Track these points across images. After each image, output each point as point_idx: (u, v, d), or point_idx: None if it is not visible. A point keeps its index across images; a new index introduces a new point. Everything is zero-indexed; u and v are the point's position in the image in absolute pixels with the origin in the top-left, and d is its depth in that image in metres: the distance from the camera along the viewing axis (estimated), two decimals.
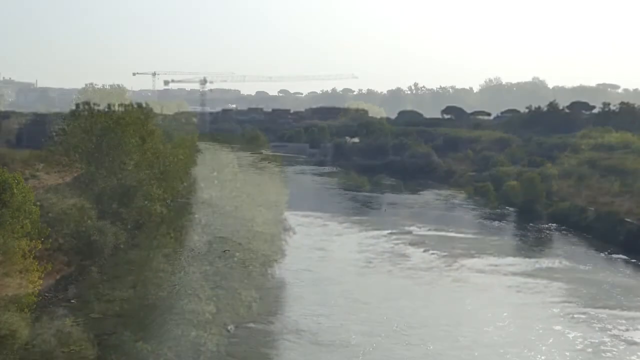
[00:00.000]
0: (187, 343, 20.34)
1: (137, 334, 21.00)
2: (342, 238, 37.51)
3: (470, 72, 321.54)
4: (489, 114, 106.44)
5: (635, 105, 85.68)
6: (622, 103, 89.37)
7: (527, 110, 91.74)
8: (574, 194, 46.73)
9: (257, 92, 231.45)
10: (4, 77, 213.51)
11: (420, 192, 58.38)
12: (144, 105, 48.86)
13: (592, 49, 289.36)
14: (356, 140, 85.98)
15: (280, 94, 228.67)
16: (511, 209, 48.37)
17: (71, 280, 25.60)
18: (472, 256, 33.19)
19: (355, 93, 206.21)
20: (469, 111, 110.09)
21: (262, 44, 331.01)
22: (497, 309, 24.49)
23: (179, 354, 19.55)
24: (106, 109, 38.95)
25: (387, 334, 21.66)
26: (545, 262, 32.80)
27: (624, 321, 23.57)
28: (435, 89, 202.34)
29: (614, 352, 20.86)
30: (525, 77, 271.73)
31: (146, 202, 35.11)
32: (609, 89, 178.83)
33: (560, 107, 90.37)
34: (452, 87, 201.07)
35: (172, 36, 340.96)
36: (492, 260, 32.76)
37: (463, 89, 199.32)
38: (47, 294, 23.05)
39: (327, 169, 77.40)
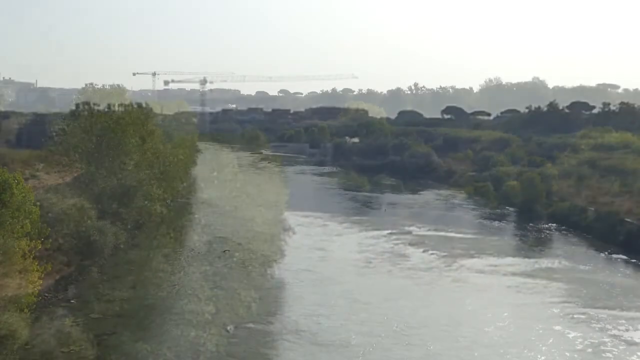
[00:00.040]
0: (186, 343, 20.35)
1: (136, 334, 21.02)
2: (342, 238, 37.50)
3: (470, 72, 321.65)
4: (489, 114, 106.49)
5: (635, 105, 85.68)
6: (622, 103, 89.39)
7: (527, 111, 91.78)
8: (574, 194, 46.71)
9: (257, 92, 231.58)
10: (4, 77, 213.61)
11: (420, 192, 58.37)
12: (144, 105, 48.95)
13: (592, 49, 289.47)
14: (356, 140, 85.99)
15: (280, 94, 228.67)
16: (511, 209, 48.37)
17: (71, 280, 25.61)
18: (472, 256, 33.18)
19: (355, 93, 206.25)
20: (469, 111, 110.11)
21: (262, 44, 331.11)
22: (497, 309, 24.48)
23: (179, 354, 19.55)
24: (106, 109, 38.98)
25: (387, 334, 21.66)
26: (545, 262, 32.79)
27: (624, 321, 23.56)
28: (435, 89, 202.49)
29: (614, 352, 20.86)
30: (525, 77, 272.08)
31: (146, 202, 35.15)
32: (609, 89, 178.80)
33: (560, 107, 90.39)
34: (452, 87, 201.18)
35: (172, 36, 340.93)
36: (492, 260, 32.75)
37: (463, 89, 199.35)
38: (47, 294, 23.06)
39: (327, 169, 77.40)
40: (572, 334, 22.18)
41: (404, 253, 33.51)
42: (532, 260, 33.31)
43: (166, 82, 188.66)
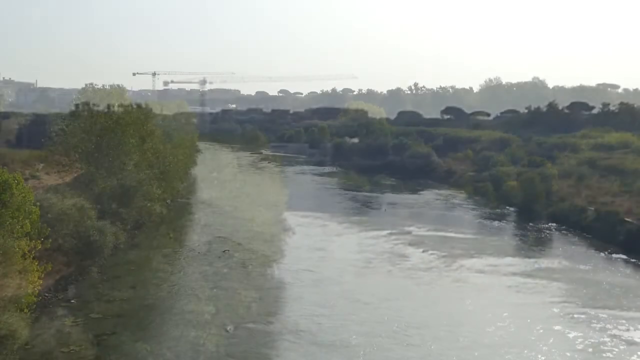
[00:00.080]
0: (186, 343, 20.36)
1: (136, 334, 21.03)
2: (341, 238, 37.50)
3: (470, 72, 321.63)
4: (488, 114, 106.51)
5: (635, 106, 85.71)
6: (621, 103, 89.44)
7: (526, 111, 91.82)
8: (574, 193, 46.69)
9: (257, 92, 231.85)
10: (4, 77, 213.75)
11: (420, 192, 58.36)
12: (143, 105, 48.95)
13: (592, 49, 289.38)
14: (356, 140, 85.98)
15: (280, 94, 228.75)
16: (511, 208, 48.39)
17: (71, 280, 25.64)
18: (472, 256, 33.17)
19: (355, 93, 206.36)
20: (468, 111, 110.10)
21: (262, 44, 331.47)
22: (497, 309, 24.48)
23: (179, 354, 19.56)
24: (106, 109, 38.99)
25: (387, 334, 21.66)
26: (545, 262, 32.78)
27: (624, 321, 23.56)
28: (435, 89, 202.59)
29: (614, 352, 20.85)
30: (525, 77, 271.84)
31: (146, 202, 35.18)
32: (609, 89, 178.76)
33: (560, 107, 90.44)
34: (452, 87, 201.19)
35: (172, 36, 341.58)
36: (492, 260, 32.75)
37: (463, 89, 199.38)
38: (47, 294, 23.09)
39: (327, 169, 77.39)
40: (572, 334, 22.18)
41: (404, 253, 33.51)
42: (532, 260, 33.31)
43: (166, 83, 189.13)
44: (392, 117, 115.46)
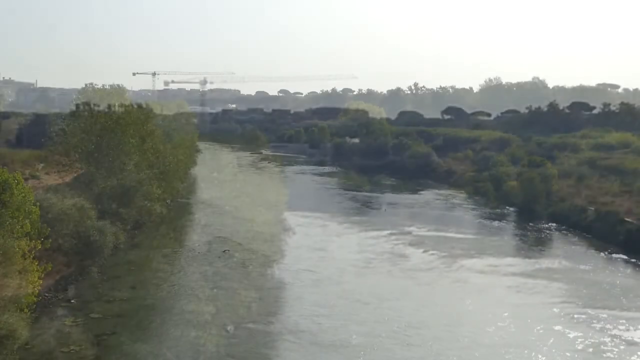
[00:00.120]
0: (186, 343, 20.36)
1: (136, 334, 21.04)
2: (342, 238, 37.49)
3: (470, 72, 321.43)
4: (489, 114, 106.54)
5: (635, 106, 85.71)
6: (621, 103, 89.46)
7: (527, 111, 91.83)
8: (574, 193, 46.68)
9: (257, 92, 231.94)
10: (4, 77, 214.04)
11: (420, 192, 58.35)
12: (143, 105, 48.99)
13: (592, 49, 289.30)
14: (356, 140, 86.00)
15: (280, 94, 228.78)
16: (511, 208, 48.37)
17: (71, 280, 25.64)
18: (472, 256, 33.17)
19: (355, 93, 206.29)
20: (469, 111, 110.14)
21: (262, 44, 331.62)
22: (497, 309, 24.47)
23: (178, 354, 19.56)
24: (106, 109, 39.01)
25: (387, 334, 21.66)
26: (545, 262, 32.78)
27: (624, 321, 23.56)
28: (435, 89, 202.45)
29: (615, 352, 20.85)
30: (525, 77, 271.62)
31: (146, 202, 35.18)
32: (609, 89, 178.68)
33: (560, 107, 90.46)
34: (452, 87, 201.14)
35: (172, 36, 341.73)
36: (492, 260, 32.74)
37: (463, 89, 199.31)
38: (47, 294, 23.08)
39: (327, 169, 77.41)
40: (572, 334, 22.17)
41: (404, 253, 33.51)
42: (532, 260, 33.31)
43: (166, 83, 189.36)
44: (392, 117, 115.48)
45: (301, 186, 62.58)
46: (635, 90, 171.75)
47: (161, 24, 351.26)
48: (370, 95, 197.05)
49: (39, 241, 20.07)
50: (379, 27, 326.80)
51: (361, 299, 25.36)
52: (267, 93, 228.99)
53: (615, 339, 21.83)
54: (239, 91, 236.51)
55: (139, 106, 46.09)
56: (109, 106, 39.98)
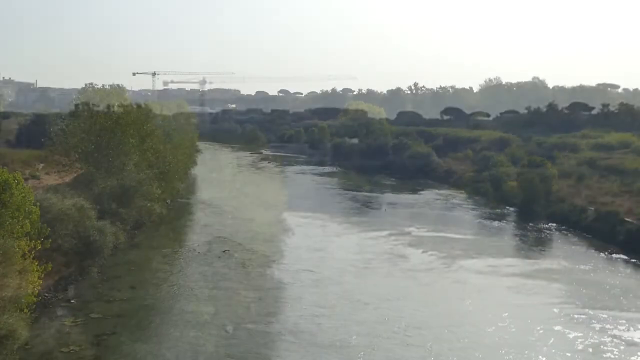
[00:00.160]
0: (186, 344, 20.35)
1: (136, 334, 21.04)
2: (341, 238, 37.49)
3: (470, 72, 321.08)
4: (488, 115, 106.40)
5: (635, 106, 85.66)
6: (621, 104, 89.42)
7: (526, 111, 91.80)
8: (574, 193, 46.67)
9: (257, 92, 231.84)
10: (4, 77, 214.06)
11: (420, 192, 58.35)
12: (143, 105, 49.00)
13: (592, 49, 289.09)
14: (356, 140, 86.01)
15: (280, 94, 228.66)
16: (511, 209, 48.39)
17: (71, 280, 25.64)
18: (472, 257, 33.17)
19: (355, 93, 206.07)
20: (468, 111, 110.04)
21: (262, 44, 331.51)
22: (497, 310, 24.48)
23: (178, 354, 19.56)
24: (106, 109, 39.05)
25: (387, 334, 21.66)
26: (545, 263, 32.79)
27: (624, 321, 23.56)
28: (435, 89, 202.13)
29: (615, 352, 20.85)
30: (525, 77, 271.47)
31: (146, 202, 35.19)
32: (609, 89, 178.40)
33: (560, 108, 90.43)
34: (452, 87, 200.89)
35: (172, 36, 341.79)
36: (492, 260, 32.74)
37: (463, 89, 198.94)
38: (46, 294, 23.07)
39: (326, 169, 77.42)
40: (572, 334, 22.18)
41: (404, 253, 33.51)
42: (532, 260, 33.32)
43: (166, 83, 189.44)
44: (392, 117, 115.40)
45: (301, 186, 62.59)
46: (635, 90, 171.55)
47: (161, 24, 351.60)
48: (370, 95, 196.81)
49: (39, 241, 20.06)
50: (379, 27, 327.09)
51: (361, 299, 25.36)
52: (267, 93, 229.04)
53: (615, 339, 21.84)
54: (238, 91, 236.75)
55: (139, 106, 46.09)
56: (109, 106, 40.02)
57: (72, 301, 23.68)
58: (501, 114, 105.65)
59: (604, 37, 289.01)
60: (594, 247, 36.26)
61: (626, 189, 45.05)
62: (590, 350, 21.00)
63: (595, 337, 22.06)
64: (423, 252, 33.85)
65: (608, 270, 31.27)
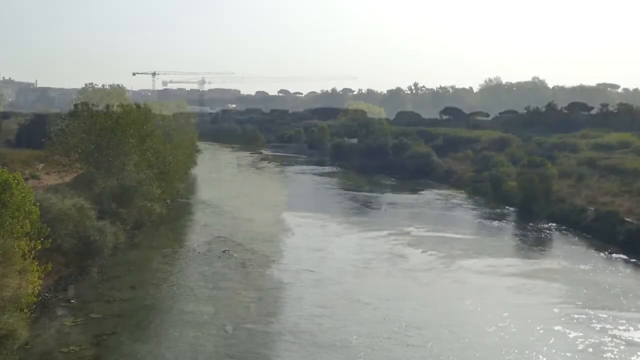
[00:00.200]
0: (185, 344, 20.35)
1: (136, 334, 21.04)
2: (341, 238, 37.49)
3: (470, 72, 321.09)
4: (487, 115, 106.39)
5: (634, 107, 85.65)
6: (620, 104, 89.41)
7: (525, 111, 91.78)
8: (574, 193, 46.67)
9: (257, 92, 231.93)
10: (4, 77, 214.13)
11: (420, 192, 58.35)
12: (143, 105, 49.01)
13: (592, 49, 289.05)
14: (355, 140, 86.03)
15: (280, 94, 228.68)
16: (511, 209, 48.39)
17: (71, 280, 25.64)
18: (472, 257, 33.17)
19: (355, 93, 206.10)
20: (468, 111, 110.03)
21: (262, 44, 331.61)
22: (497, 310, 24.48)
23: (178, 354, 19.56)
24: (105, 110, 39.07)
25: (387, 334, 21.66)
26: (545, 263, 32.79)
27: (624, 321, 23.56)
28: (435, 89, 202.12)
29: (615, 352, 20.85)
30: (525, 77, 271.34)
31: (146, 202, 35.19)
32: (608, 89, 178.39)
33: (559, 108, 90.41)
34: (452, 87, 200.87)
35: (172, 36, 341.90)
36: (492, 260, 32.74)
37: (463, 89, 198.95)
38: (46, 294, 23.07)
39: (326, 169, 77.42)
40: (572, 334, 22.17)
41: (404, 253, 33.50)
42: (532, 260, 33.32)
43: (165, 83, 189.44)
44: (392, 117, 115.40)
45: (301, 186, 62.60)
46: (635, 90, 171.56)
47: (161, 24, 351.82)
48: (370, 95, 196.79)
49: (39, 241, 20.07)
50: (378, 27, 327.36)
51: (361, 299, 25.36)
52: (267, 93, 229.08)
53: (615, 339, 21.84)
54: (238, 91, 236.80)
55: (139, 106, 46.10)
56: (108, 106, 40.03)
57: (72, 301, 23.67)
58: (501, 114, 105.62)
59: (604, 37, 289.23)
60: (593, 247, 36.26)
61: (626, 189, 45.05)
62: (591, 350, 21.00)
63: (595, 337, 22.07)
64: (423, 252, 33.85)
65: (608, 270, 31.27)
